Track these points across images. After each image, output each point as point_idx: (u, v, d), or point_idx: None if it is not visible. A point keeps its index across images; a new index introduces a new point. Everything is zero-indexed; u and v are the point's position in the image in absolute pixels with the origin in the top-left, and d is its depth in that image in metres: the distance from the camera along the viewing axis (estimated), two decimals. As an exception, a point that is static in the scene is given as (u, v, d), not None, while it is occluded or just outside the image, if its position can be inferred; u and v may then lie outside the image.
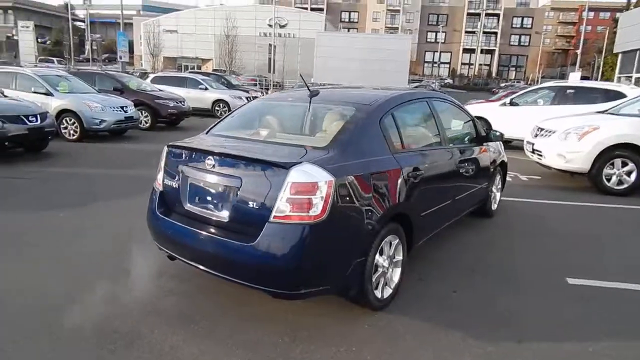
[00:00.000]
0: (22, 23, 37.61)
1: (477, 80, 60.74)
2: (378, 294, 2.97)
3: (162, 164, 3.12)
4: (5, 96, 8.50)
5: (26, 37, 36.24)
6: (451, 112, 4.33)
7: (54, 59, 36.28)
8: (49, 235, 4.17)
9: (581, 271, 3.78)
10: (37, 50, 37.97)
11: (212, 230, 2.70)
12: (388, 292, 3.09)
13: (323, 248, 2.52)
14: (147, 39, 39.77)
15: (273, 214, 2.46)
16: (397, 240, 3.10)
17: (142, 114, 12.30)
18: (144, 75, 21.83)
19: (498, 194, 5.38)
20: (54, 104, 9.71)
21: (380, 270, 2.95)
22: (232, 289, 3.05)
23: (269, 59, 29.23)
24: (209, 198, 2.77)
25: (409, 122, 3.57)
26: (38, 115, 7.85)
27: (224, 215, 2.67)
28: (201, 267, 2.78)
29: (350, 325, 2.83)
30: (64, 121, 9.80)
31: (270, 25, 40.72)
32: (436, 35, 66.69)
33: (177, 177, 2.97)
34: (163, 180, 3.09)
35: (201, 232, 2.72)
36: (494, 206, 5.28)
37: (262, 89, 29.06)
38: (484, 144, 4.62)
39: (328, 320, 2.87)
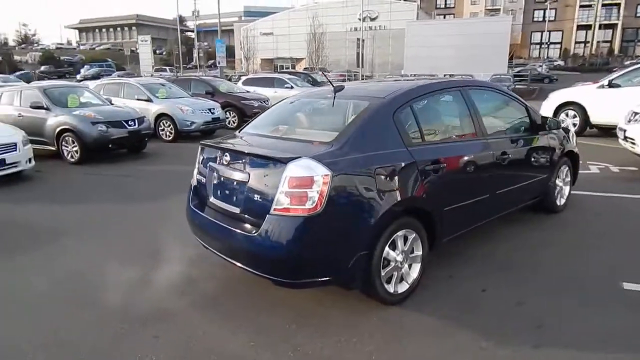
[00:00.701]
0: (141, 37, 42.71)
1: (595, 59, 53.91)
2: (390, 288, 2.96)
3: (197, 160, 3.45)
4: (112, 104, 9.82)
5: (145, 50, 41.10)
6: (495, 101, 4.06)
7: (167, 67, 40.60)
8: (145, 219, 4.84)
9: (646, 276, 3.31)
10: (154, 61, 42.80)
11: (228, 221, 2.93)
12: (404, 287, 3.05)
13: (320, 240, 2.61)
14: (242, 43, 42.32)
15: (273, 206, 2.61)
16: (415, 234, 3.04)
17: (229, 115, 13.29)
18: (240, 77, 23.34)
19: (566, 188, 4.88)
20: (153, 109, 10.96)
21: (392, 264, 2.94)
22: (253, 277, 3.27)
23: (357, 53, 29.27)
24: (227, 192, 3.02)
25: (431, 114, 3.45)
26: (136, 120, 8.95)
27: (237, 208, 2.89)
28: (222, 255, 3.04)
29: (360, 317, 2.87)
30: (161, 124, 11.01)
31: (360, 20, 40.75)
32: (544, 13, 60.59)
33: (206, 173, 3.27)
34: (196, 176, 3.41)
35: (220, 223, 2.97)
36: (561, 201, 4.81)
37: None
38: (540, 133, 4.24)
39: (339, 311, 2.94)
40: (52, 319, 2.93)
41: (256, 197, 2.75)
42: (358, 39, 29.14)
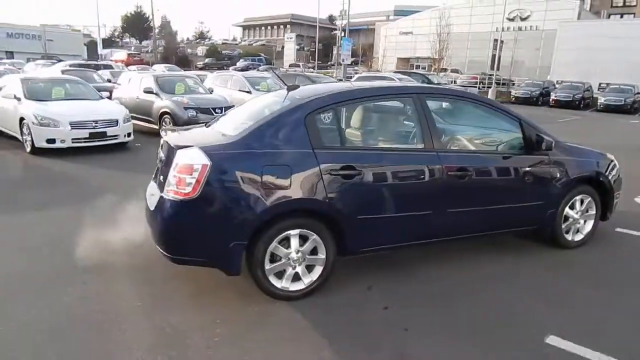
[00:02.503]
0: (287, 35, 46.29)
1: None
2: (279, 283, 3.04)
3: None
4: (211, 92, 11.13)
5: (289, 46, 44.63)
6: (466, 112, 3.67)
7: (300, 64, 43.37)
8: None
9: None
10: (297, 57, 46.03)
11: (154, 200, 3.29)
12: (299, 286, 3.09)
13: (193, 223, 2.85)
14: (380, 42, 42.51)
15: (165, 187, 2.93)
16: (316, 237, 3.05)
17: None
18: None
19: (588, 222, 4.13)
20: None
21: (283, 260, 3.01)
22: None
23: (493, 55, 27.11)
24: (160, 176, 3.39)
25: (360, 120, 3.33)
26: (223, 108, 10.03)
27: (157, 187, 3.27)
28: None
29: (239, 308, 2.99)
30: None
31: (510, 19, 37.51)
32: None
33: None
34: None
35: (150, 202, 3.35)
36: (576, 236, 4.10)
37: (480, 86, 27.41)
38: (535, 153, 3.69)
39: (225, 301, 3.08)
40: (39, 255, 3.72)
41: (163, 178, 3.10)
42: (496, 40, 26.98)
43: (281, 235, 2.97)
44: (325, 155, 3.02)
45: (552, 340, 2.70)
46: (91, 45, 59.47)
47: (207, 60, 52.60)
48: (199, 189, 2.78)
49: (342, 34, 57.73)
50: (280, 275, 3.05)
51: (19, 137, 8.05)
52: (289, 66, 42.54)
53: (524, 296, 3.27)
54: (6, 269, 3.48)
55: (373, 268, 3.59)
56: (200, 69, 42.94)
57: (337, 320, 2.90)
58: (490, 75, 29.83)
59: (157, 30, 58.51)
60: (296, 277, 3.09)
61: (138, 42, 72.05)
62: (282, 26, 76.02)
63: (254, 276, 2.99)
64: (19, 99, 8.18)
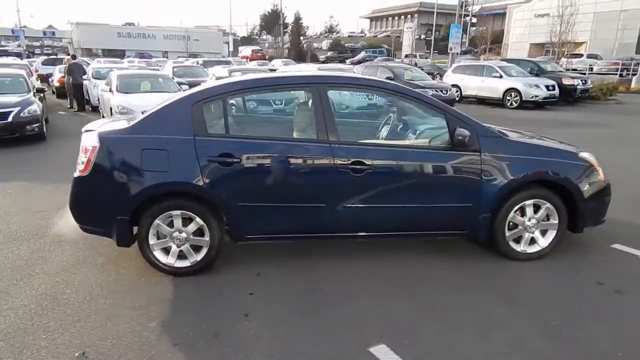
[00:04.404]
0: (407, 25, 45.10)
1: None
2: (164, 259, 3.32)
3: None
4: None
5: (407, 37, 43.63)
6: (390, 105, 3.40)
7: (417, 54, 41.97)
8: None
9: None
10: (415, 46, 44.73)
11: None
12: (185, 263, 3.34)
13: (85, 197, 3.30)
14: (510, 26, 38.61)
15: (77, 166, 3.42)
16: (198, 219, 3.25)
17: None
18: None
19: (549, 233, 3.53)
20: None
21: (167, 238, 3.29)
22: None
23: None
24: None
25: (248, 110, 3.34)
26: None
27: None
28: None
29: (145, 284, 3.30)
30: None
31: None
32: None
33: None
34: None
35: None
36: (532, 248, 3.55)
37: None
38: (458, 149, 3.29)
39: (124, 270, 3.49)
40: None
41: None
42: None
43: (164, 215, 3.24)
44: (205, 142, 3.19)
45: (377, 350, 2.49)
46: (236, 43, 66.34)
47: (329, 53, 54.39)
48: (89, 167, 3.20)
49: (471, 20, 54.10)
50: (167, 252, 3.33)
51: (111, 124, 9.65)
52: (404, 56, 41.56)
53: (396, 304, 2.99)
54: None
55: (278, 257, 3.64)
56: (322, 62, 44.68)
57: (198, 297, 3.08)
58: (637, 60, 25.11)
59: (289, 27, 62.45)
60: (182, 255, 3.34)
61: (273, 38, 77.83)
62: (409, 16, 74.18)
63: (140, 249, 3.33)
64: (112, 92, 9.79)
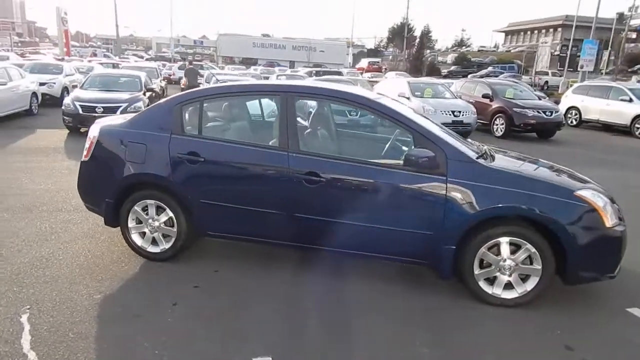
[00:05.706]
0: (542, 39, 41.11)
1: None
2: (139, 242, 3.66)
3: None
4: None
5: (542, 52, 39.85)
6: (366, 118, 3.26)
7: (549, 71, 37.93)
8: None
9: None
10: (549, 62, 40.61)
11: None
12: (156, 249, 3.65)
13: (87, 180, 3.80)
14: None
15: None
16: (168, 210, 3.54)
17: (498, 122, 12.50)
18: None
19: (531, 279, 3.03)
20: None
21: (142, 224, 3.64)
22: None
23: None
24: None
25: (219, 114, 3.48)
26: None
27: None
28: None
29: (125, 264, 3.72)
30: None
31: None
32: None
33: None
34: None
35: None
36: (509, 294, 3.11)
37: None
38: (426, 170, 3.02)
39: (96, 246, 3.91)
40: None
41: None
42: None
43: (141, 202, 3.59)
44: (178, 140, 3.47)
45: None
46: (361, 55, 68.03)
47: (452, 67, 52.27)
48: (89, 153, 3.71)
49: (626, 35, 47.07)
50: (143, 236, 3.67)
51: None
52: (535, 73, 37.95)
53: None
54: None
55: (248, 258, 3.74)
56: (444, 76, 43.23)
57: (151, 280, 3.35)
58: None
59: (416, 40, 61.76)
60: (154, 243, 3.65)
61: (399, 51, 77.68)
62: (551, 29, 67.64)
63: (121, 230, 3.72)
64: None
